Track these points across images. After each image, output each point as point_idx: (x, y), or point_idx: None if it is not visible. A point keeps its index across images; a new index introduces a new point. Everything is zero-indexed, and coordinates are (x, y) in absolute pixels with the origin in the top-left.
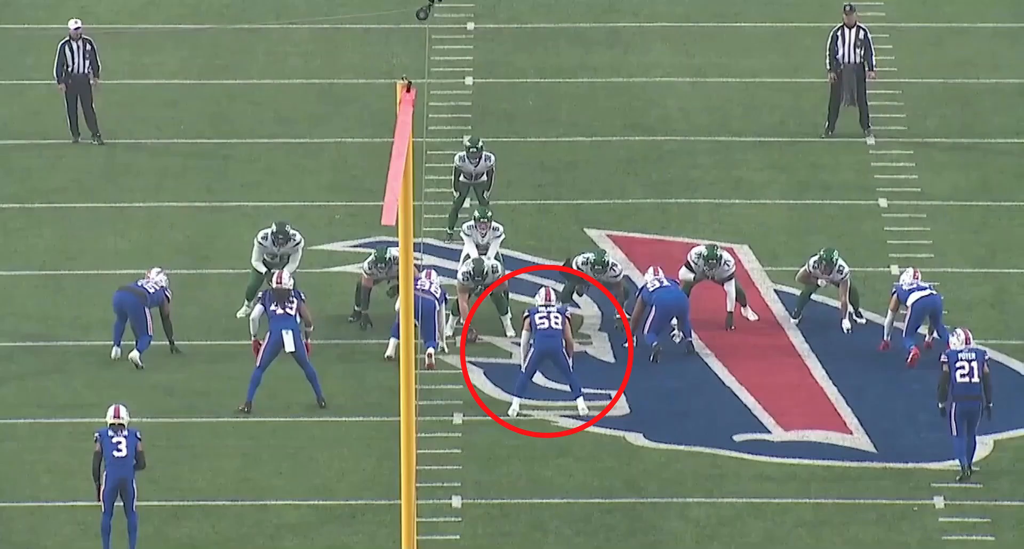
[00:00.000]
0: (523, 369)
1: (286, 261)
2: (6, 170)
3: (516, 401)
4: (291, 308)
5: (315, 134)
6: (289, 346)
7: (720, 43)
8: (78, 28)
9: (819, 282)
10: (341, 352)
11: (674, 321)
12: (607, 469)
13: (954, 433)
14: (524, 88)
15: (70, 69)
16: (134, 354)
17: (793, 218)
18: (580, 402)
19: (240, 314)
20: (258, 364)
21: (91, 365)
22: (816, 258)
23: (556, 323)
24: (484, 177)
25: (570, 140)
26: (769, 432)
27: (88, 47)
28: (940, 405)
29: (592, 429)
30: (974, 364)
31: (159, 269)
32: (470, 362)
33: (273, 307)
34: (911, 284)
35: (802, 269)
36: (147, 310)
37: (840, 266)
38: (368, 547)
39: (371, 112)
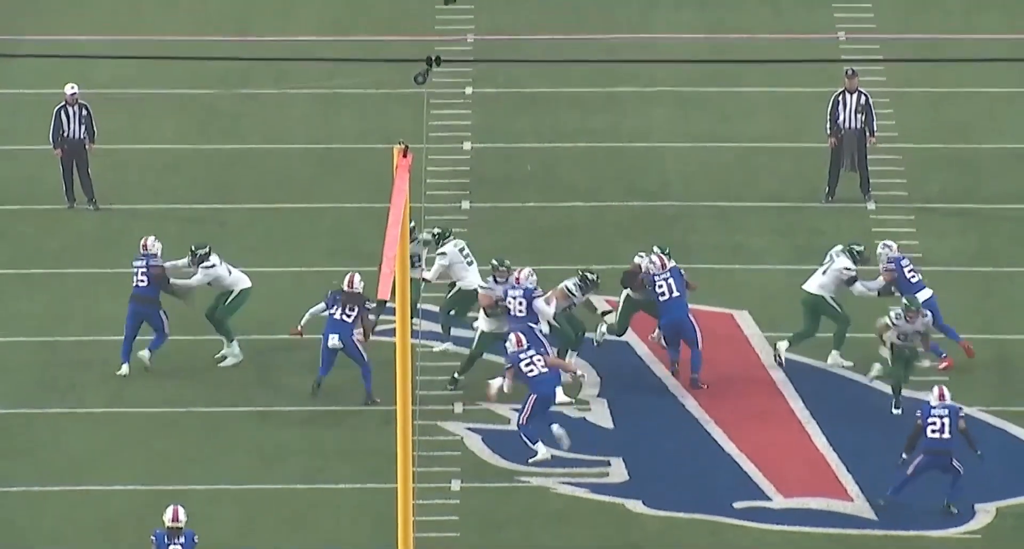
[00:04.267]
0: (521, 422)
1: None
2: (0, 235)
3: (540, 446)
4: (350, 316)
5: (313, 199)
6: (334, 343)
7: (719, 108)
8: (74, 93)
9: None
10: (338, 417)
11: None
12: (606, 536)
13: (909, 473)
14: (522, 152)
15: (66, 134)
16: (143, 353)
17: (793, 284)
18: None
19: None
20: (321, 369)
21: (85, 432)
22: (896, 311)
23: (543, 366)
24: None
25: (568, 205)
26: (769, 499)
27: (84, 112)
28: (903, 456)
29: (590, 496)
30: (946, 420)
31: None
32: (467, 428)
33: (334, 309)
34: (910, 272)
35: (884, 326)
36: (162, 312)
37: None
38: None
39: (369, 177)
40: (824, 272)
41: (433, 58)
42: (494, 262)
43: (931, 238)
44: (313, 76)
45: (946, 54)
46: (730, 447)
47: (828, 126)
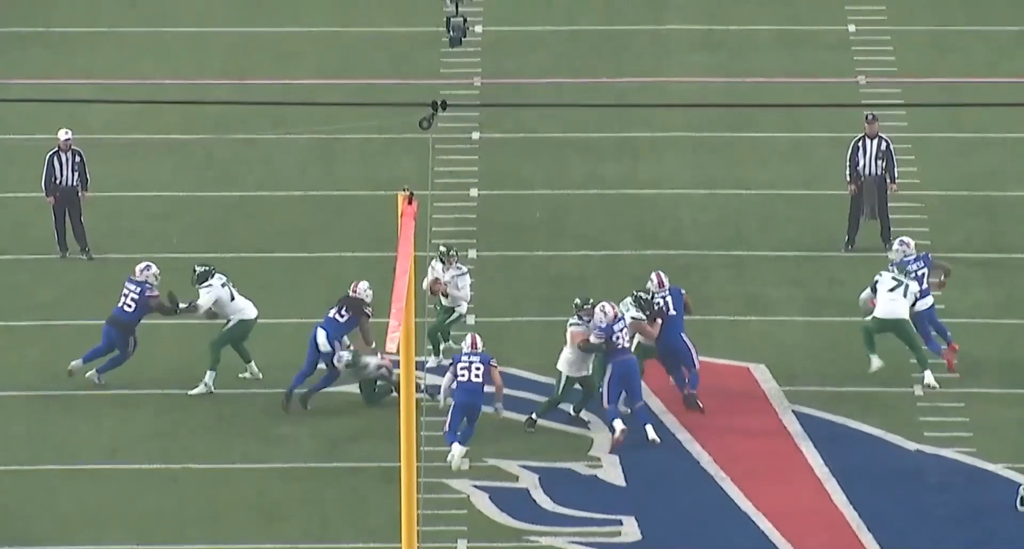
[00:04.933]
0: (446, 430)
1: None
2: None
3: (455, 447)
4: (343, 317)
5: (312, 248)
6: (323, 345)
7: (735, 154)
8: (68, 139)
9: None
10: (340, 474)
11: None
12: None
13: None
14: (531, 199)
15: (58, 181)
16: (91, 374)
17: (811, 336)
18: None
19: None
20: (303, 369)
21: (79, 489)
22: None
23: (476, 376)
24: None
25: (579, 254)
26: None
27: (77, 159)
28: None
29: None
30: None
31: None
32: (474, 485)
33: (333, 311)
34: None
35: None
36: (133, 339)
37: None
38: None
39: (371, 225)
40: (904, 295)
41: (439, 102)
42: (577, 301)
43: (955, 289)
44: (313, 121)
45: (969, 98)
46: (747, 506)
47: (847, 173)
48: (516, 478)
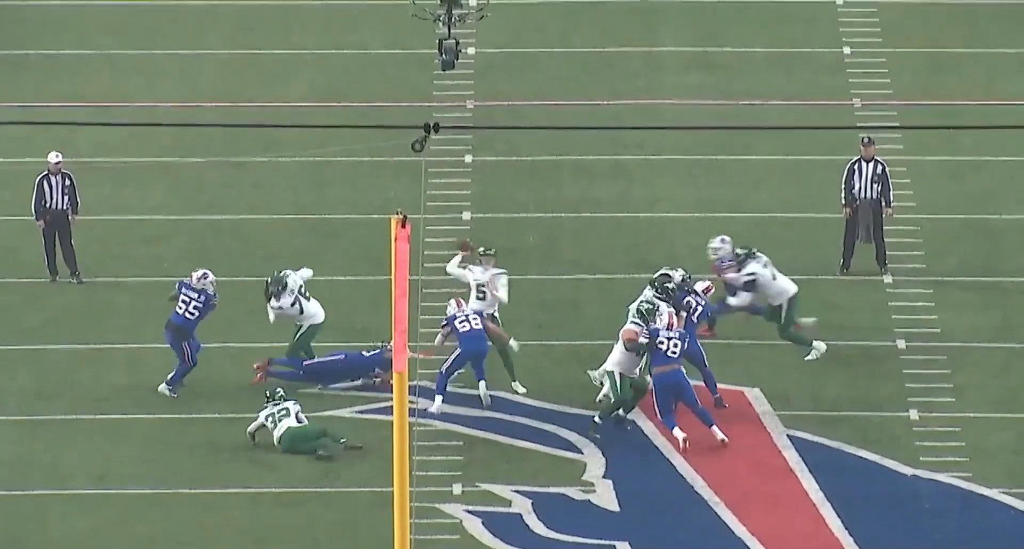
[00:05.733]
0: (443, 370)
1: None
2: None
3: (438, 399)
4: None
5: None
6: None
7: (729, 176)
8: (59, 162)
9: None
10: (331, 498)
11: None
12: None
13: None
14: (524, 223)
15: (48, 205)
16: (162, 387)
17: (805, 359)
18: (482, 385)
19: None
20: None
21: (69, 514)
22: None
23: (477, 324)
24: None
25: (573, 277)
26: None
27: (67, 182)
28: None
29: None
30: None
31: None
32: (466, 510)
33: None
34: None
35: None
36: (185, 343)
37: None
38: None
39: (363, 248)
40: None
41: (431, 125)
42: (646, 307)
43: (950, 312)
44: (304, 144)
45: (965, 121)
46: (741, 530)
47: (843, 196)
48: (509, 503)
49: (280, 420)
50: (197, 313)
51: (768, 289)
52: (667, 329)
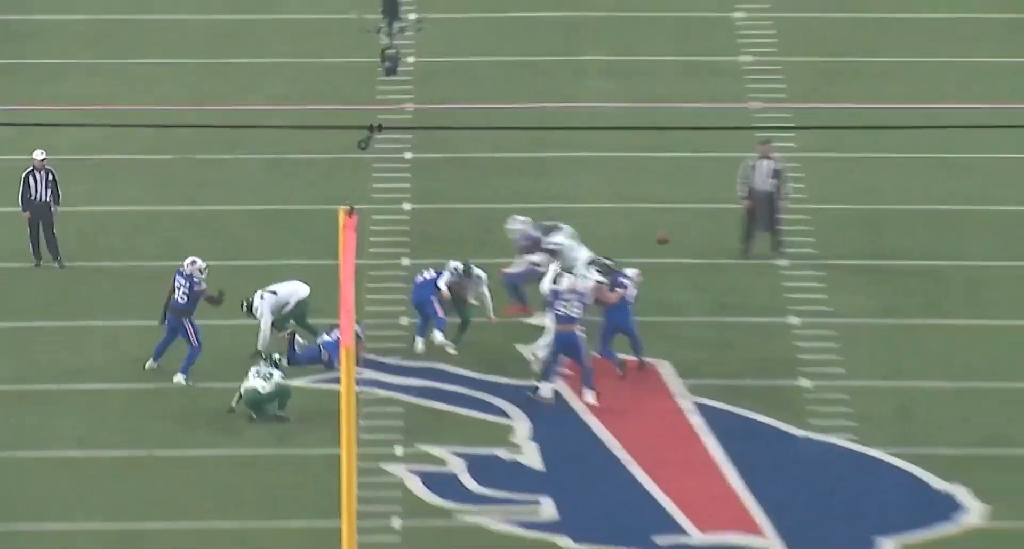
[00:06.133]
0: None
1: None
2: None
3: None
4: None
5: (265, 257)
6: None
7: (643, 172)
8: (43, 159)
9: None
10: (288, 459)
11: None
12: None
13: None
14: (459, 213)
15: (33, 197)
16: (178, 377)
17: (711, 335)
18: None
19: None
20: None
21: (54, 475)
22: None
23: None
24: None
25: (503, 261)
26: (689, 535)
27: (50, 177)
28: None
29: (523, 533)
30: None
31: (193, 260)
32: (408, 470)
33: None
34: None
35: None
36: (189, 323)
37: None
38: None
39: (316, 236)
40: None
41: (376, 125)
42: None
43: (841, 293)
44: (266, 142)
45: (853, 122)
46: (652, 487)
47: (742, 189)
48: (445, 463)
49: (257, 377)
50: (187, 298)
51: (566, 261)
52: (570, 292)
